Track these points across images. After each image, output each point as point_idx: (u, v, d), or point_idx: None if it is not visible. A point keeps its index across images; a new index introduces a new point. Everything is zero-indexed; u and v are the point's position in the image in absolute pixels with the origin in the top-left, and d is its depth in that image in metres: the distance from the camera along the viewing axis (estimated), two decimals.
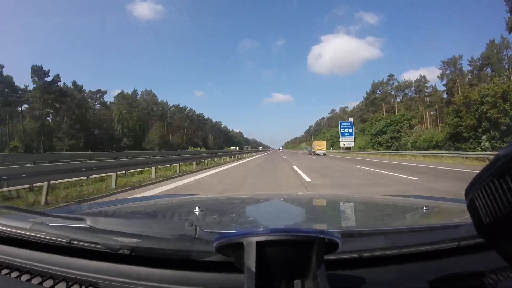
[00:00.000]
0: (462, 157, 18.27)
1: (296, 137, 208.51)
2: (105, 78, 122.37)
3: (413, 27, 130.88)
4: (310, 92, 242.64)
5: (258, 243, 0.43)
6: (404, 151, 29.88)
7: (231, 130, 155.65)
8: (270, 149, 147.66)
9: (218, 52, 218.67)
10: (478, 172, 0.37)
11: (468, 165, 14.42)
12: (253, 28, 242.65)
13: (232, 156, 24.50)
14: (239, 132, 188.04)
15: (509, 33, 34.01)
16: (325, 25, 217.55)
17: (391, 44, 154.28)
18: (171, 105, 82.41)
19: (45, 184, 4.80)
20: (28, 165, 5.45)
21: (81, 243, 0.58)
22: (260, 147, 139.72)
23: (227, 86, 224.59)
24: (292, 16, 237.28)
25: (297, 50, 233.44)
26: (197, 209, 1.02)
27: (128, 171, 9.16)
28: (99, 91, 57.90)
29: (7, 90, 42.11)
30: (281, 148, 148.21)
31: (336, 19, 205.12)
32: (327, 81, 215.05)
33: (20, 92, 43.93)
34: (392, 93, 63.17)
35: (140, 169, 9.29)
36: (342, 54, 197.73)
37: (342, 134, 50.19)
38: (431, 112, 53.71)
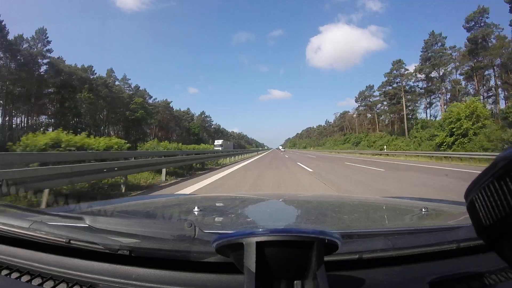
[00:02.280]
0: None
1: (311, 127, 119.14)
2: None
3: (418, 15, 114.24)
4: (309, 88, 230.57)
5: (258, 243, 0.43)
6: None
7: (164, 100, 63.31)
8: (265, 148, 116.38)
9: (211, 44, 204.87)
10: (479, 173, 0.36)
11: None
12: (248, 17, 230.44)
13: None
14: (204, 116, 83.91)
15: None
16: (325, 13, 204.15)
17: (396, 34, 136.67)
18: None
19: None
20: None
21: (80, 243, 0.57)
22: (219, 144, 47.73)
23: (222, 82, 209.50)
24: (289, 4, 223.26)
25: (294, 42, 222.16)
26: (196, 208, 1.02)
27: None
28: None
29: None
30: (280, 147, 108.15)
31: (337, 6, 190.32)
32: (327, 75, 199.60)
33: None
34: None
35: None
36: (343, 45, 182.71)
37: None
38: None
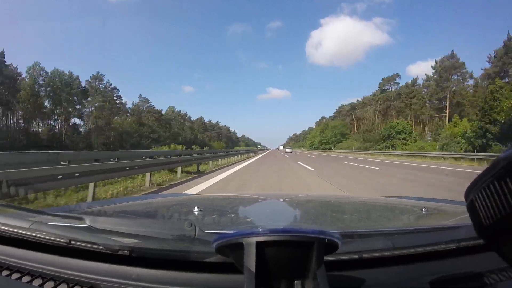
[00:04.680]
0: None
1: (356, 100, 68.76)
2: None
3: (428, 4, 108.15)
4: (309, 87, 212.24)
5: (257, 243, 0.43)
6: None
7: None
8: (258, 148, 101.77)
9: (206, 40, 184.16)
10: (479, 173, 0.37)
11: None
12: (245, 8, 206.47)
13: None
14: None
15: None
16: (327, 3, 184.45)
17: (403, 27, 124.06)
18: None
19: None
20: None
21: (80, 244, 0.57)
22: None
23: (220, 81, 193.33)
24: None
25: (294, 37, 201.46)
26: (196, 208, 1.02)
27: None
28: None
29: None
30: (281, 147, 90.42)
31: None
32: (329, 73, 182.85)
33: None
34: None
35: None
36: (345, 40, 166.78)
37: None
38: None
